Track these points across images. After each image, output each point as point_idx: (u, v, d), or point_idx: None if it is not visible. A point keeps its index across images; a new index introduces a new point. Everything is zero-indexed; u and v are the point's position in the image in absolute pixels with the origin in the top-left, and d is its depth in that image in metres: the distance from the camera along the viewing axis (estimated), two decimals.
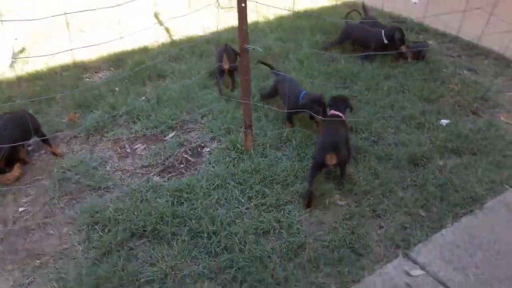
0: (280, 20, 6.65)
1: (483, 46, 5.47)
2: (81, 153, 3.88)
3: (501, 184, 3.21)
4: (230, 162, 3.57)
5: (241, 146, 3.70)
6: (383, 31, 5.13)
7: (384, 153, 3.54)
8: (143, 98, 4.65)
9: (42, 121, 4.12)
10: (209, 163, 3.64)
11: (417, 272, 2.55)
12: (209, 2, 5.28)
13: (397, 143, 3.67)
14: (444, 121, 3.94)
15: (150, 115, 4.34)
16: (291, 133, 3.84)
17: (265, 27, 6.19)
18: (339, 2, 7.51)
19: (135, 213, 3.08)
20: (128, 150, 3.96)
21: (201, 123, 4.26)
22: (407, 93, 4.51)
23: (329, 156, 3.05)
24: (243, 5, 2.98)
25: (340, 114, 3.42)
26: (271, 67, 4.60)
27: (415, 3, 6.19)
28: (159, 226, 2.96)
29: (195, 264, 2.70)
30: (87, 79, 5.20)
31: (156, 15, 7.04)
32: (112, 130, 4.19)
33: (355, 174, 3.31)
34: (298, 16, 6.80)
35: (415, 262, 2.62)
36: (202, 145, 3.98)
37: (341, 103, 3.53)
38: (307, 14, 6.88)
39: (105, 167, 3.69)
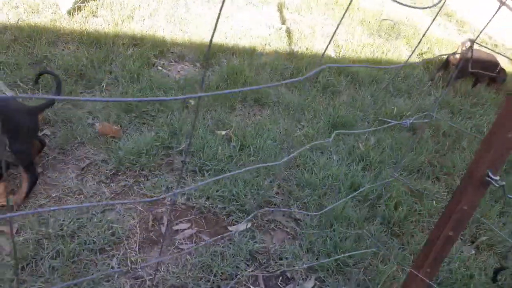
0: None
1: None
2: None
3: None
4: None
5: None
6: None
7: None
8: (223, 132, 2.89)
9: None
10: None
11: None
12: None
13: None
14: None
15: (221, 171, 2.57)
16: None
17: None
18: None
19: None
20: (164, 229, 2.21)
21: (295, 223, 2.42)
22: None
23: None
24: None
25: None
26: None
27: None
28: None
29: None
30: (158, 67, 3.52)
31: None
32: (156, 176, 2.47)
33: None
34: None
35: None
36: (289, 274, 2.15)
37: None
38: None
39: (112, 260, 1.97)
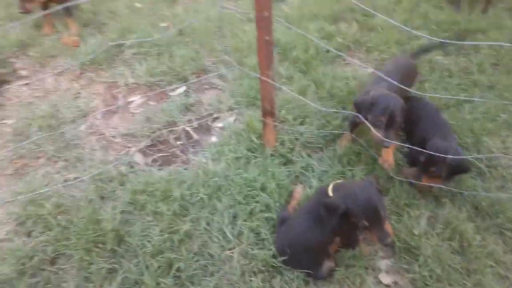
0: None
1: None
2: (60, 95, 2.94)
3: None
4: (235, 160, 2.38)
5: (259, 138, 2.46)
6: None
7: None
8: (164, 24, 3.46)
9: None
10: (211, 155, 2.46)
11: None
12: None
13: None
14: None
15: (161, 54, 3.19)
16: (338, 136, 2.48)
17: None
18: None
19: (77, 218, 2.11)
20: (120, 103, 2.93)
21: (224, 81, 3.04)
22: None
23: None
24: None
25: None
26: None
27: None
28: (84, 255, 1.95)
29: None
30: None
31: None
32: (112, 68, 3.16)
33: None
34: None
35: None
36: (216, 115, 2.79)
37: None
38: None
39: (81, 126, 2.72)
